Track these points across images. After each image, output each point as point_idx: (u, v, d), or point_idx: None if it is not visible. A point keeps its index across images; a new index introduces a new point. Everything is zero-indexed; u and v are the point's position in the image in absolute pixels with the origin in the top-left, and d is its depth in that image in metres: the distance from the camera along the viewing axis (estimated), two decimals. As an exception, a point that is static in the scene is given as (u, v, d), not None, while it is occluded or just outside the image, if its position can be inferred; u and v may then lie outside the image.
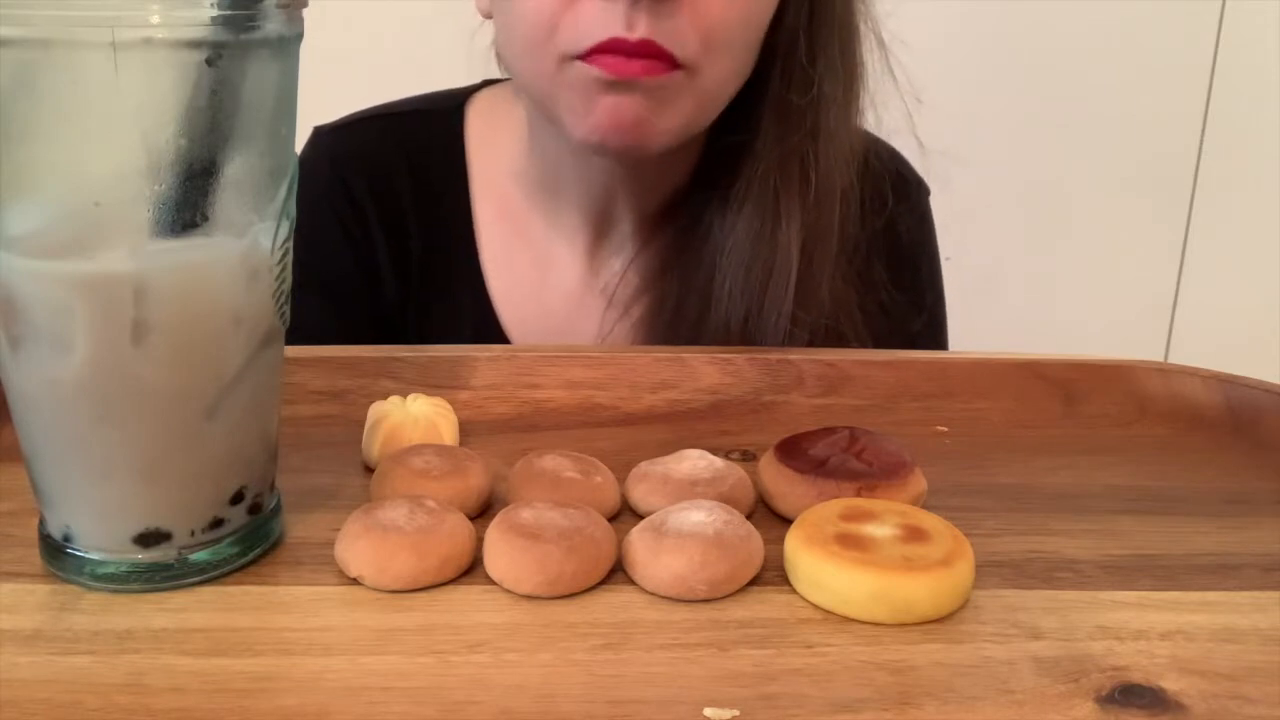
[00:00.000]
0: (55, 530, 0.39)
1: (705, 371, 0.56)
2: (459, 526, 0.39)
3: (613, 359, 0.56)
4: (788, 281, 0.63)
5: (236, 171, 0.36)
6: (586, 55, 0.56)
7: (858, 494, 0.43)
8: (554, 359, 0.56)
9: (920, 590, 0.37)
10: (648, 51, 0.55)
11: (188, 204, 0.35)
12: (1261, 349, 1.27)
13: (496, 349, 0.57)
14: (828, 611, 0.37)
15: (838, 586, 0.37)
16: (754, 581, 0.39)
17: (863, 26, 0.65)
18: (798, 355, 0.57)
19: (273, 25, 0.36)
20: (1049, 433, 0.54)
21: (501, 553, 0.38)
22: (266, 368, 0.40)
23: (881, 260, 0.70)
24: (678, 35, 0.55)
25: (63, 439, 0.37)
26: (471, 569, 0.39)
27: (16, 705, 0.32)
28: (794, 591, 0.39)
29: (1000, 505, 0.46)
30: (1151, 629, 0.37)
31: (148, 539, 0.38)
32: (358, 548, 0.38)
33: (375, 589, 0.38)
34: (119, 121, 0.34)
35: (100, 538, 0.38)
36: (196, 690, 0.33)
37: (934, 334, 0.78)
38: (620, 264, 0.71)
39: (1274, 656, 0.36)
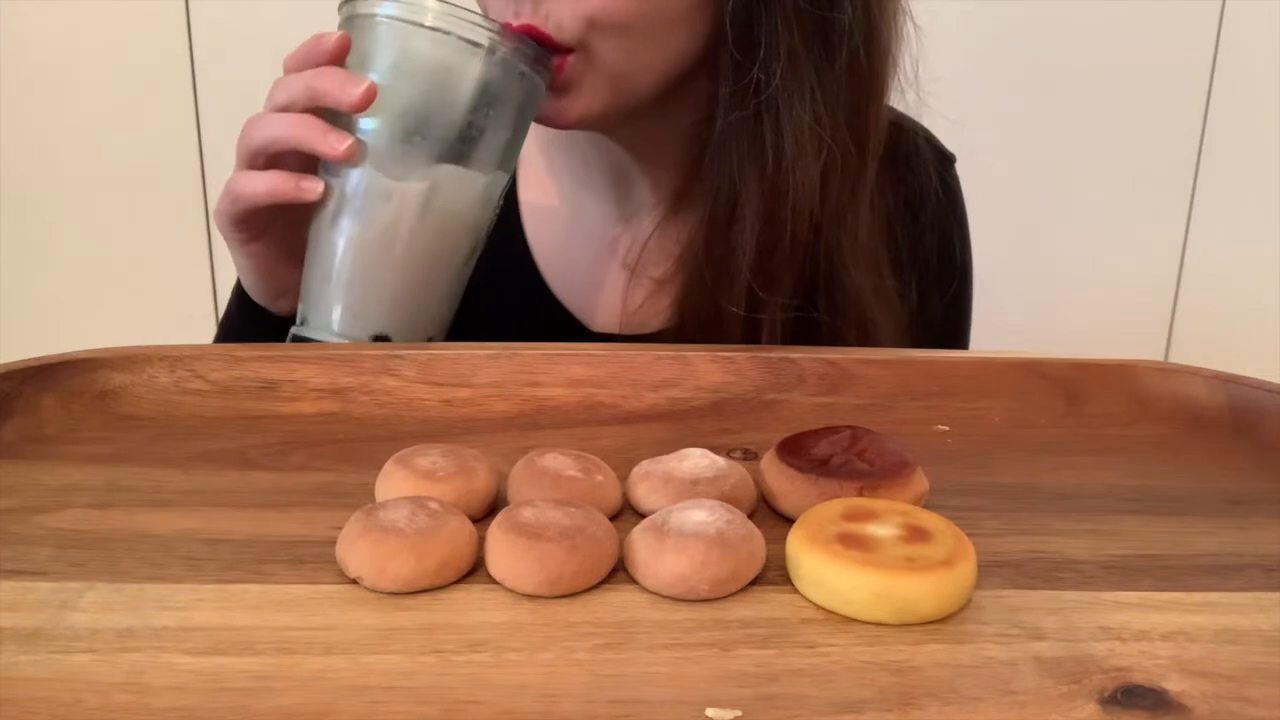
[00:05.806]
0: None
1: (707, 370, 0.56)
2: (460, 529, 0.39)
3: (614, 357, 0.56)
4: (743, 261, 0.63)
5: (490, 139, 0.59)
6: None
7: (859, 493, 0.43)
8: (555, 357, 0.56)
9: (922, 590, 0.37)
10: (532, 35, 0.58)
11: (465, 151, 0.58)
12: (1262, 349, 1.28)
13: (496, 347, 0.57)
14: (830, 611, 0.37)
15: (840, 586, 0.37)
16: (756, 581, 0.39)
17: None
18: (799, 354, 0.57)
19: (539, 75, 0.59)
20: (1050, 432, 0.54)
21: (503, 552, 0.38)
22: (468, 268, 0.63)
23: (906, 231, 0.72)
24: (555, 18, 0.58)
25: (358, 242, 0.59)
26: (473, 571, 0.39)
27: (16, 704, 0.32)
28: (796, 591, 0.39)
29: (1002, 505, 0.46)
30: (1154, 630, 0.37)
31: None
32: (357, 548, 0.38)
33: (374, 590, 0.38)
34: (453, 96, 0.57)
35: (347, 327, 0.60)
36: (197, 689, 0.33)
37: (958, 316, 0.80)
38: (642, 235, 0.72)
39: (1276, 658, 0.35)
